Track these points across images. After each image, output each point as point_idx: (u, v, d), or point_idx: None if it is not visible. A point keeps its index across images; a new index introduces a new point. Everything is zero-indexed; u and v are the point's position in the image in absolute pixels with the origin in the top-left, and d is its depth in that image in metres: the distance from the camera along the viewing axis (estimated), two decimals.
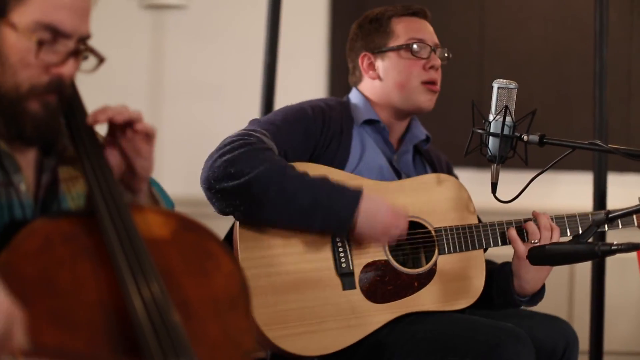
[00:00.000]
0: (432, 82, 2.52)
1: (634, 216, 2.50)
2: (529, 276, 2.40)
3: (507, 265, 2.46)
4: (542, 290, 2.45)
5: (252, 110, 3.14)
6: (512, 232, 2.41)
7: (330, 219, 2.24)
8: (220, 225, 2.32)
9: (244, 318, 1.59)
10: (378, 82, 2.56)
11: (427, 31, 2.57)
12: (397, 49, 2.53)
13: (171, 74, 4.02)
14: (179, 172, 3.69)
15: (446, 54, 2.57)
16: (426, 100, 2.53)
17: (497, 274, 2.46)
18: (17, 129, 1.58)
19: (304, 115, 2.43)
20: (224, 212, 2.27)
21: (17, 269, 1.43)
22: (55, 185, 1.68)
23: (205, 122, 3.96)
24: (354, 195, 2.25)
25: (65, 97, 1.62)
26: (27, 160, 1.65)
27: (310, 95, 2.71)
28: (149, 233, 1.57)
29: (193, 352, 1.43)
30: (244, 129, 2.34)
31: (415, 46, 2.51)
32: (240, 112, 3.07)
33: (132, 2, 4.02)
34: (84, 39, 1.61)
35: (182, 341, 1.44)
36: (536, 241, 2.38)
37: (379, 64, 2.56)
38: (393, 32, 2.55)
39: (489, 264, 2.52)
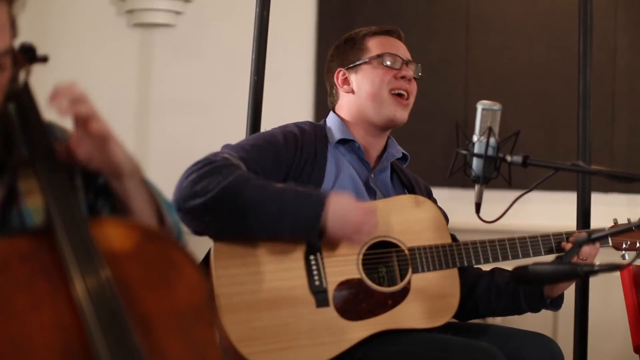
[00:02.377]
0: (402, 94, 2.55)
1: (609, 237, 2.54)
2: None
3: None
4: (562, 295, 2.51)
5: (238, 128, 3.14)
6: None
7: (298, 223, 2.25)
8: (207, 241, 2.33)
9: (209, 330, 1.56)
10: (352, 96, 2.59)
11: (399, 47, 2.61)
12: (369, 60, 2.57)
13: (158, 92, 4.03)
14: (165, 188, 3.68)
15: (420, 73, 2.61)
16: (397, 111, 2.54)
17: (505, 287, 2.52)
18: None
19: (275, 140, 2.44)
20: (197, 232, 2.28)
21: None
22: (12, 200, 1.63)
23: (192, 139, 3.96)
24: (320, 198, 2.25)
25: (2, 111, 1.58)
26: None
27: (297, 114, 2.73)
28: (109, 247, 1.53)
29: None
30: (214, 153, 2.36)
31: (386, 58, 2.56)
32: (227, 130, 3.08)
33: (121, 21, 4.03)
34: (4, 53, 1.56)
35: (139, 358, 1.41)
36: (584, 258, 2.44)
37: (353, 77, 2.60)
38: (367, 48, 2.60)
39: (504, 271, 2.57)
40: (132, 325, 1.44)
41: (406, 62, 2.58)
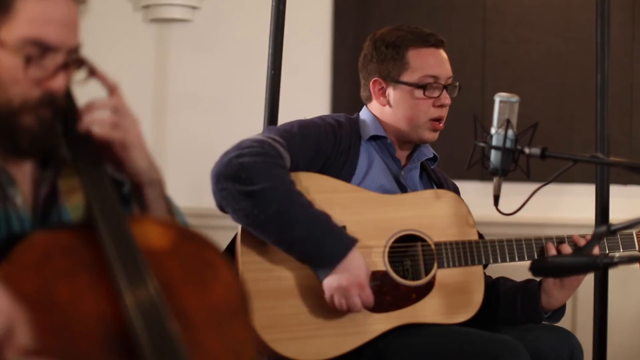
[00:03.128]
0: (438, 120, 2.56)
1: (635, 236, 2.53)
2: (559, 294, 2.43)
3: (532, 282, 2.49)
4: (563, 306, 2.49)
5: (255, 123, 3.15)
6: (551, 246, 2.44)
7: (315, 256, 2.27)
8: (225, 236, 2.34)
9: (244, 328, 1.58)
10: (388, 109, 2.58)
11: (442, 66, 2.57)
12: (410, 85, 2.54)
13: (175, 87, 4.04)
14: (182, 184, 3.70)
15: (457, 90, 2.60)
16: (431, 136, 2.57)
17: (523, 290, 2.50)
18: (12, 143, 1.59)
19: (318, 131, 2.46)
20: (221, 208, 2.30)
21: (15, 282, 1.42)
22: (54, 197, 1.68)
23: (209, 135, 3.97)
24: (347, 244, 2.27)
25: (59, 109, 1.62)
26: (24, 173, 1.65)
27: (313, 109, 2.73)
28: (147, 244, 1.56)
29: None
30: (265, 136, 2.36)
31: (429, 86, 2.53)
32: (243, 125, 3.09)
33: (137, 16, 4.04)
34: (73, 50, 1.62)
35: (180, 352, 1.43)
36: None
37: (390, 92, 2.58)
38: (409, 64, 2.55)
39: (508, 281, 2.55)
40: (173, 319, 1.46)
41: (445, 87, 2.55)
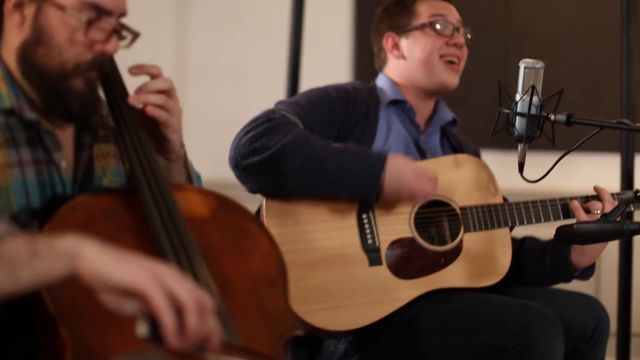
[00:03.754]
0: (453, 60, 2.54)
1: None
2: (589, 249, 2.39)
3: None
4: (593, 264, 2.46)
5: (277, 93, 3.15)
6: (575, 203, 2.41)
7: (357, 183, 2.26)
8: (249, 207, 2.33)
9: (282, 297, 1.61)
10: (403, 62, 2.58)
11: (450, 11, 2.59)
12: (421, 27, 2.55)
13: (196, 58, 4.04)
14: (205, 155, 3.69)
15: (468, 35, 2.59)
16: (449, 77, 2.54)
17: (552, 247, 2.46)
18: (63, 106, 1.62)
19: (329, 97, 2.46)
20: (253, 190, 2.30)
21: None
22: (91, 162, 1.72)
23: (230, 105, 3.97)
24: (379, 158, 2.27)
25: (105, 72, 1.67)
26: (67, 137, 1.69)
27: (335, 79, 2.72)
28: (189, 211, 1.59)
29: (234, 329, 1.45)
30: (269, 109, 2.36)
31: (437, 24, 2.54)
32: (265, 96, 3.08)
33: None
34: (122, 16, 1.66)
35: (223, 317, 1.45)
36: (598, 212, 2.37)
37: (403, 43, 2.57)
38: (417, 12, 2.57)
39: (535, 240, 2.54)
40: (215, 285, 1.49)
41: (457, 28, 2.56)
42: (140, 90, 1.69)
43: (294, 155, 2.23)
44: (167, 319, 1.28)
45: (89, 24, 1.59)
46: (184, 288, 1.30)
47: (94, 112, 1.67)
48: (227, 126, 2.60)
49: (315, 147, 2.26)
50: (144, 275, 1.30)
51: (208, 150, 3.68)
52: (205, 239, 1.57)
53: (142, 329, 1.28)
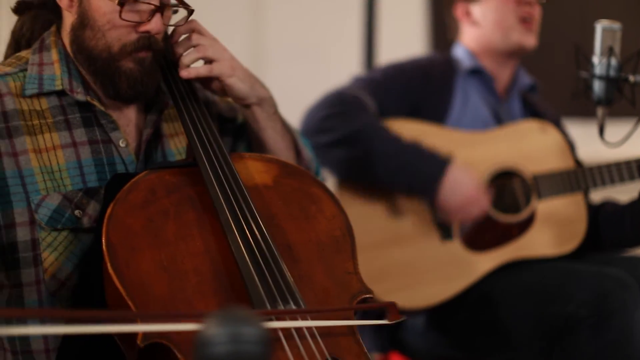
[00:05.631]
0: (527, 18, 2.51)
1: None
2: None
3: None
4: None
5: (353, 68, 3.15)
6: None
7: (415, 183, 2.26)
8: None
9: (350, 261, 1.59)
10: (477, 28, 2.56)
11: None
12: None
13: (272, 36, 4.06)
14: None
15: None
16: (525, 36, 2.51)
17: (631, 208, 2.38)
18: (113, 88, 1.64)
19: (404, 73, 2.46)
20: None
21: (124, 221, 1.48)
22: (158, 140, 1.73)
23: (306, 82, 3.98)
24: (441, 163, 2.26)
25: (160, 52, 1.67)
26: (127, 118, 1.71)
27: (410, 52, 2.72)
28: (250, 180, 1.60)
29: (300, 296, 1.45)
30: (344, 87, 2.38)
31: None
32: (341, 71, 3.09)
33: None
34: None
35: (290, 286, 1.46)
36: None
37: (475, 9, 2.56)
38: None
39: (613, 203, 2.48)
40: (279, 253, 1.49)
41: None
42: (181, 63, 1.71)
43: (360, 143, 2.25)
44: None
45: (123, 5, 1.58)
46: None
47: (148, 92, 1.67)
48: (304, 102, 2.62)
49: (381, 140, 2.27)
50: None
51: None
52: (269, 207, 1.58)
53: None
